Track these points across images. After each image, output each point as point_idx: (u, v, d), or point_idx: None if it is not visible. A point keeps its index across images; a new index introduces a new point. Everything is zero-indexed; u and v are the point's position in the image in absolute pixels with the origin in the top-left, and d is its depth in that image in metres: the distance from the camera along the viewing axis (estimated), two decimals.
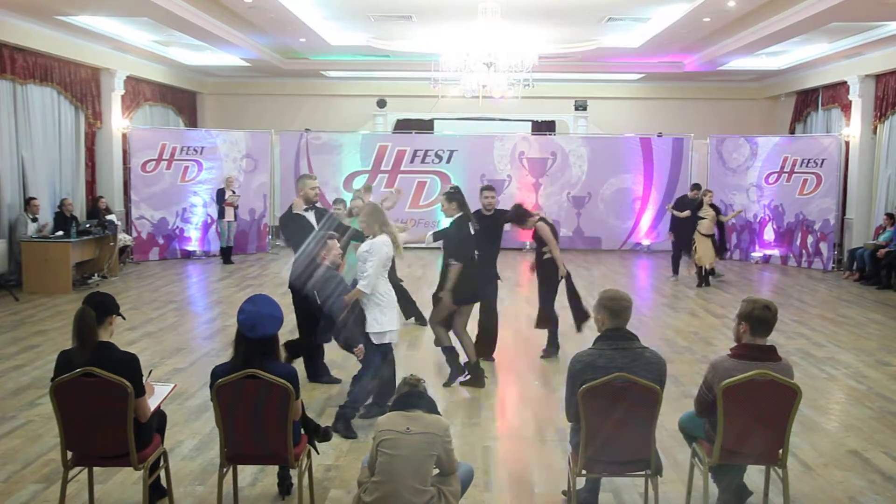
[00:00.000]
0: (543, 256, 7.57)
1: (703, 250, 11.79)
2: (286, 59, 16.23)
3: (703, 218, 11.86)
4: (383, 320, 5.59)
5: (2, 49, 11.04)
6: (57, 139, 12.67)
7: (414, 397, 3.76)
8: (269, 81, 18.29)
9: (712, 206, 12.00)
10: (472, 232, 6.65)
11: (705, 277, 12.04)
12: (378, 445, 3.61)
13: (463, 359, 6.78)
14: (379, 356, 5.70)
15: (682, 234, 12.30)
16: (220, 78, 18.25)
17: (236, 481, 4.41)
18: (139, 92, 15.39)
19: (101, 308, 3.93)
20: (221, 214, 14.12)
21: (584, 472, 4.01)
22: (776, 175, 14.76)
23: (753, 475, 4.52)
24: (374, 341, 5.62)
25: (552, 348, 7.75)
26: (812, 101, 16.19)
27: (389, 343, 5.74)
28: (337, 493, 4.59)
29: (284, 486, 4.51)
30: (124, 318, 4.20)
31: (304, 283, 6.20)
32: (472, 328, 7.13)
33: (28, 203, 11.47)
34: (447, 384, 6.66)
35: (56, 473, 4.57)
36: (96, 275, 11.90)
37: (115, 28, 12.48)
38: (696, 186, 12.81)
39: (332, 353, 7.66)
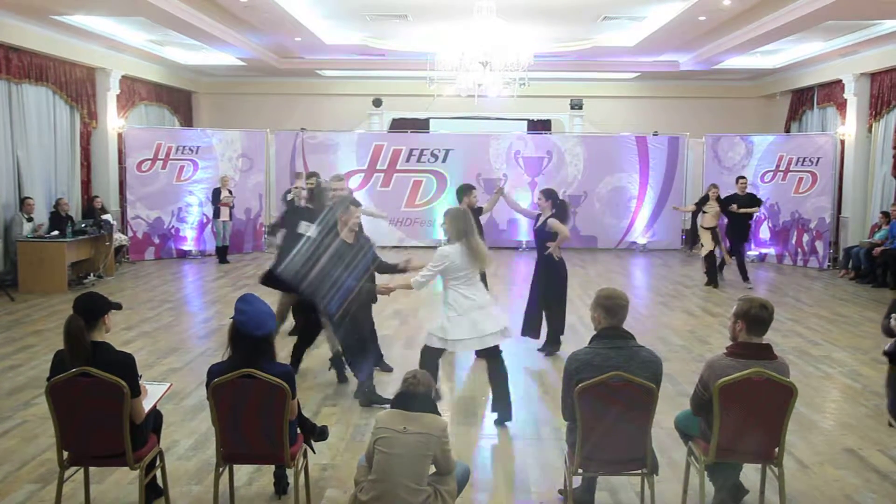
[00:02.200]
0: (546, 252, 7.48)
1: (705, 239, 11.87)
2: (282, 59, 16.20)
3: (706, 212, 11.95)
4: (447, 327, 5.50)
5: None
6: (52, 139, 12.63)
7: (413, 396, 3.76)
8: (264, 81, 18.25)
9: (719, 199, 12.00)
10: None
11: (714, 272, 12.02)
12: (375, 443, 3.62)
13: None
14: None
15: (736, 233, 12.07)
16: (215, 77, 18.21)
17: (232, 481, 4.40)
18: (134, 91, 15.36)
19: (90, 313, 3.87)
20: (217, 214, 14.08)
21: (580, 470, 4.01)
22: (772, 174, 14.78)
23: (749, 474, 4.52)
24: (428, 343, 5.58)
25: (552, 346, 7.74)
26: (807, 100, 16.21)
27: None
28: (333, 492, 4.59)
29: (281, 485, 4.51)
30: (121, 308, 4.16)
31: (304, 275, 6.01)
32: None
33: (23, 203, 11.44)
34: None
35: (52, 473, 4.55)
36: (92, 274, 11.88)
37: (111, 27, 12.44)
38: (741, 178, 12.61)
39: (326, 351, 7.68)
